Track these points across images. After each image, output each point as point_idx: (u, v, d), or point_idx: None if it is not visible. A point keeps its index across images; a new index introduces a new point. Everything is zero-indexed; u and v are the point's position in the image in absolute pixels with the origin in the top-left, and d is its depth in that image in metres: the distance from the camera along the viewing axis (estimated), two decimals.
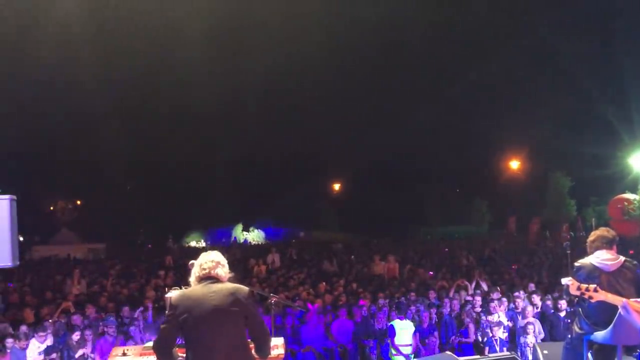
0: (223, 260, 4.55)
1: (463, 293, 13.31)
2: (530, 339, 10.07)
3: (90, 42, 36.15)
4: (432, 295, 12.98)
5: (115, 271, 19.15)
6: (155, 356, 4.58)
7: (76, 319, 10.53)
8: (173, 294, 4.47)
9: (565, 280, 5.62)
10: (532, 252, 25.00)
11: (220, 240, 49.22)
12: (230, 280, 4.57)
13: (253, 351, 4.47)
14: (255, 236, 54.03)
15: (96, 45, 37.42)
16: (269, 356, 4.70)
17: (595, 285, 5.36)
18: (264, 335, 4.49)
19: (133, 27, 35.86)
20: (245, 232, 54.69)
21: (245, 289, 4.43)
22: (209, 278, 4.40)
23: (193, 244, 49.47)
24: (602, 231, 6.02)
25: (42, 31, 32.36)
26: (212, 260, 4.48)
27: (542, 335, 10.50)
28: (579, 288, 5.36)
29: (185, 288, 4.56)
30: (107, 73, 40.53)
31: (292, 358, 9.94)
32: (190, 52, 39.39)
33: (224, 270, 4.51)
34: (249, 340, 4.44)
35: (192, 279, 4.50)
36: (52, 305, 12.27)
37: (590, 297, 5.33)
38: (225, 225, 53.88)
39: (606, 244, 5.87)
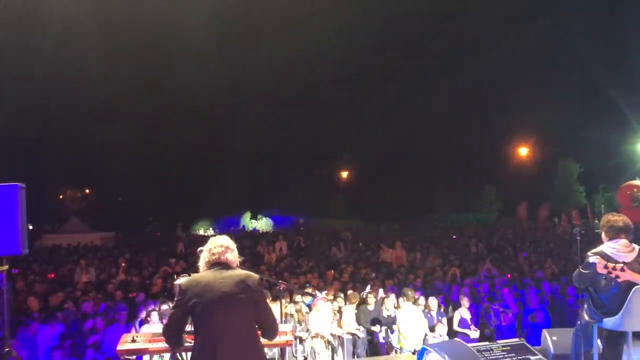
0: (232, 245, 4.50)
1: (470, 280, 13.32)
2: (536, 326, 10.09)
3: (100, 32, 36.21)
4: (440, 282, 12.98)
5: (125, 260, 19.24)
6: (164, 342, 4.59)
7: (86, 306, 10.59)
8: (182, 280, 4.44)
9: (593, 259, 5.56)
10: (541, 239, 24.92)
11: (229, 229, 49.28)
12: (240, 266, 4.55)
13: (260, 335, 4.44)
14: (263, 224, 53.99)
15: (106, 35, 37.50)
16: (276, 341, 4.69)
17: (622, 265, 5.32)
18: (271, 324, 4.47)
19: (143, 16, 35.84)
20: (253, 220, 54.71)
21: (255, 276, 4.39)
22: (219, 264, 4.37)
23: (201, 232, 49.51)
24: (614, 218, 5.93)
25: (50, 22, 32.41)
26: (221, 245, 4.44)
27: (549, 323, 10.51)
28: (606, 266, 5.31)
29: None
30: (117, 62, 40.63)
31: (301, 345, 9.97)
32: (199, 41, 39.36)
33: (233, 255, 4.46)
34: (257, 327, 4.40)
35: (202, 264, 4.46)
36: (61, 293, 12.33)
37: (617, 277, 5.29)
38: (233, 213, 53.96)
39: (623, 231, 5.80)
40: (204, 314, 4.16)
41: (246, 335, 4.24)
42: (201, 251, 4.55)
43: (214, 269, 4.35)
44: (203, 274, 4.37)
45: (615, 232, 5.78)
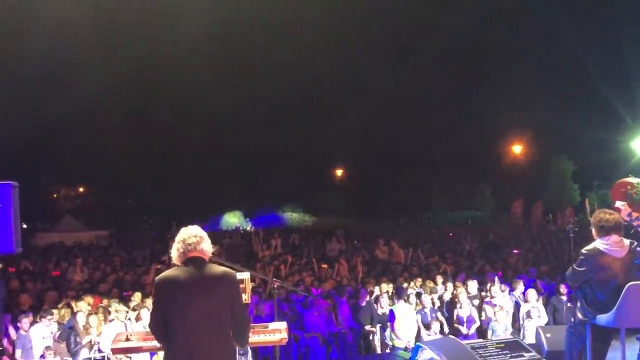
0: (205, 235, 4.41)
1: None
2: (533, 324, 10.11)
3: (94, 30, 36.06)
4: (435, 279, 12.99)
5: (120, 258, 19.16)
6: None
7: (80, 305, 10.57)
8: (157, 279, 4.30)
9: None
10: (536, 236, 24.95)
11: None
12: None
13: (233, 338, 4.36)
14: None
15: (100, 34, 37.34)
16: (271, 339, 4.65)
17: None
18: (244, 320, 4.41)
19: (138, 15, 35.75)
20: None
21: (233, 272, 4.33)
22: (194, 257, 4.26)
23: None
24: (606, 217, 5.94)
25: (45, 19, 32.26)
26: (195, 235, 4.34)
27: (546, 320, 10.52)
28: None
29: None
30: (111, 60, 40.50)
31: (296, 343, 9.96)
32: (196, 40, 39.28)
33: (207, 245, 4.37)
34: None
35: (175, 256, 4.34)
36: (56, 292, 12.29)
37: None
38: (227, 212, 53.77)
39: (614, 228, 5.82)
40: (180, 311, 4.08)
41: (224, 333, 4.19)
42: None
43: (189, 265, 4.23)
44: (178, 270, 4.25)
45: (606, 231, 5.79)
